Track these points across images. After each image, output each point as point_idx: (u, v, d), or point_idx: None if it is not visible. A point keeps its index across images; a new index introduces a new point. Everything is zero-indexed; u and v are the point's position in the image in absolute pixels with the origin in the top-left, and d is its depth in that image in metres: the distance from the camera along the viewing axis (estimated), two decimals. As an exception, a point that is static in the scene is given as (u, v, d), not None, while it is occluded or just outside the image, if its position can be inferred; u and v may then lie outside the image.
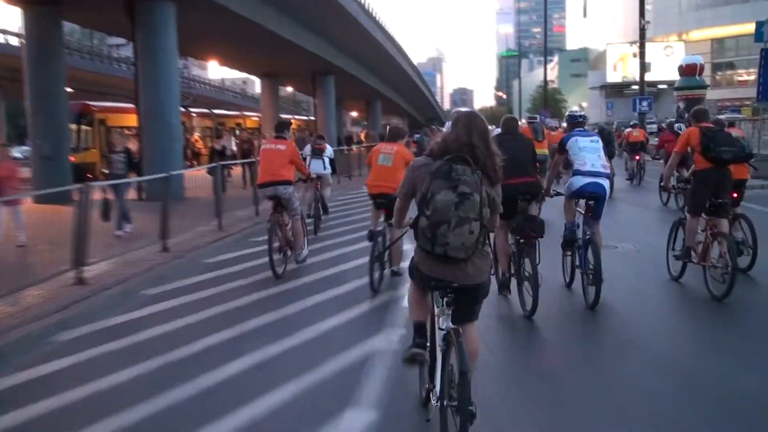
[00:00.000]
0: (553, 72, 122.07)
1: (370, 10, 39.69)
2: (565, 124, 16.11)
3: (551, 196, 7.83)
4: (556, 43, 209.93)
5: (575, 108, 9.99)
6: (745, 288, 7.69)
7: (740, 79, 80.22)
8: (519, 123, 8.75)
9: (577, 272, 7.57)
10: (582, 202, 7.64)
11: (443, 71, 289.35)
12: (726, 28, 75.53)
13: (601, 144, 7.65)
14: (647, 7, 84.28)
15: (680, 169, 11.25)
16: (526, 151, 7.36)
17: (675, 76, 72.18)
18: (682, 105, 28.69)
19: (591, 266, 7.06)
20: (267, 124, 43.63)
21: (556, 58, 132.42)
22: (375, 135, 57.06)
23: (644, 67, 36.98)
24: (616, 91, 69.87)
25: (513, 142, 7.21)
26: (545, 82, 65.13)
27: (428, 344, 4.22)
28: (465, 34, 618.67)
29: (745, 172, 8.71)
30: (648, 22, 37.70)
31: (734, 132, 12.83)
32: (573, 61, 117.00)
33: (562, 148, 7.71)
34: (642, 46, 36.95)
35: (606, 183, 7.38)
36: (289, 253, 9.57)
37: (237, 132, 36.60)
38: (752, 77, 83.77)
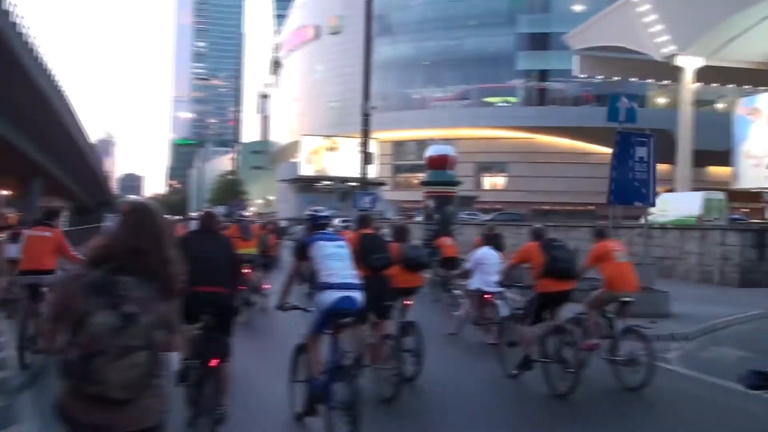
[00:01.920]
0: (235, 162, 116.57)
1: (37, 50, 28.24)
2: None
3: (285, 310, 6.42)
4: (231, 135, 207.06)
5: (318, 206, 7.53)
6: (411, 395, 7.64)
7: (417, 181, 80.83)
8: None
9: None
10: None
11: (113, 155, 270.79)
12: (406, 132, 75.57)
13: (348, 250, 6.37)
14: (333, 104, 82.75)
15: None
16: (224, 254, 6.02)
17: (370, 173, 70.69)
18: (431, 204, 22.51)
19: (344, 401, 5.58)
20: None
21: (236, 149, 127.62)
22: (29, 219, 45.20)
23: (368, 159, 31.43)
24: (307, 185, 65.10)
25: (208, 241, 6.04)
26: (232, 171, 58.02)
27: None
28: (138, 118, 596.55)
29: (417, 279, 8.55)
30: (375, 107, 32.54)
31: (448, 240, 14.09)
32: (254, 153, 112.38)
33: (302, 254, 6.28)
34: (366, 134, 31.47)
35: (359, 295, 6.09)
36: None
37: None
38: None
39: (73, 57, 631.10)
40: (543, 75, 76.79)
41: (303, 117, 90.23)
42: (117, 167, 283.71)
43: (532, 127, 74.41)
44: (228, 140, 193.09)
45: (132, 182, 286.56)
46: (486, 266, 10.45)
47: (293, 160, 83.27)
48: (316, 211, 6.75)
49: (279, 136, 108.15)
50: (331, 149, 64.22)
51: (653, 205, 14.58)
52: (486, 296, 10.48)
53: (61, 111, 37.36)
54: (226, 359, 5.67)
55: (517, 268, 8.86)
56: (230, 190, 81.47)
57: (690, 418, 7.11)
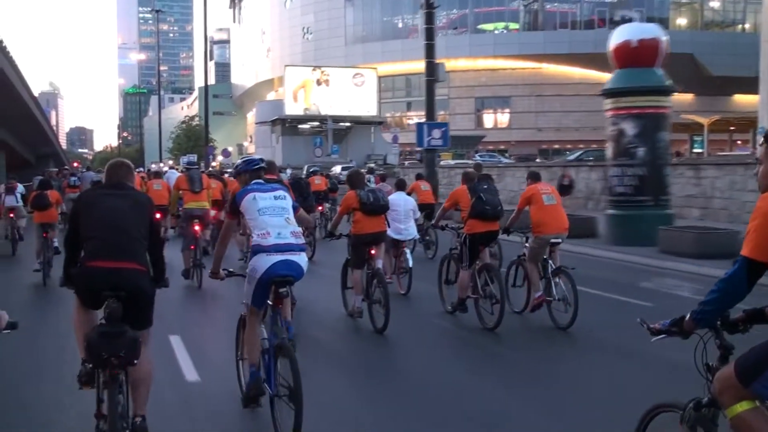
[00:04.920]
0: (192, 109, 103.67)
1: None
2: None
3: (221, 278, 5.36)
4: (185, 83, 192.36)
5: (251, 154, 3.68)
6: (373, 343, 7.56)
7: (411, 122, 69.57)
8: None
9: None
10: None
11: (59, 108, 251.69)
12: (392, 65, 63.99)
13: (290, 201, 5.14)
14: (309, 36, 70.41)
15: None
16: (138, 216, 4.26)
17: (367, 110, 58.97)
18: (629, 128, 11.18)
19: (287, 386, 4.47)
20: None
21: (195, 94, 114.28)
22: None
23: (434, 71, 20.73)
24: (292, 127, 53.47)
25: (114, 199, 4.27)
26: (206, 115, 46.66)
27: None
28: (84, 68, 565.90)
29: (380, 224, 8.17)
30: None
31: (423, 185, 13.79)
32: (215, 97, 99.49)
33: (234, 209, 5.11)
34: (430, 37, 20.72)
35: (302, 260, 4.88)
36: None
37: None
38: (423, 119, 74.74)
39: (10, 5, 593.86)
40: (547, -5, 65.94)
41: (273, 53, 77.67)
42: (64, 120, 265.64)
43: (539, 55, 63.95)
44: (182, 87, 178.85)
45: (81, 135, 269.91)
46: (396, 213, 9.79)
47: (272, 98, 71.34)
48: (248, 156, 6.16)
49: (241, 78, 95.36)
50: (321, 82, 52.39)
51: None
52: (398, 244, 10.03)
53: (11, 77, 33.20)
54: (130, 361, 3.94)
55: (449, 211, 8.98)
56: (197, 138, 69.50)
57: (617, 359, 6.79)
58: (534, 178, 8.58)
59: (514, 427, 5.10)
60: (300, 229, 5.09)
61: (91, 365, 3.99)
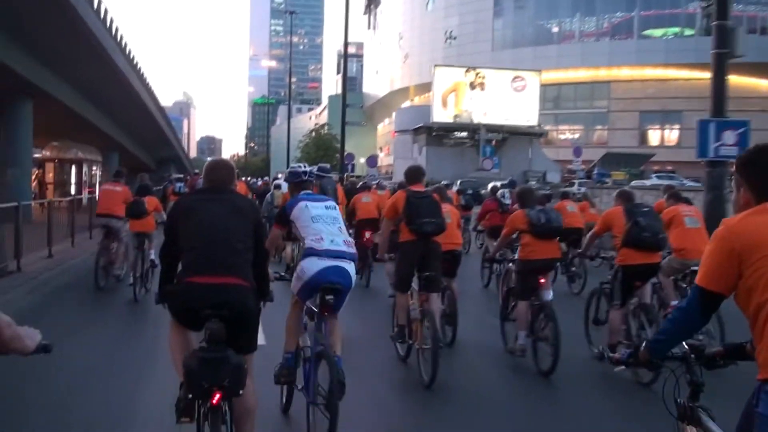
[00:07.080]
0: (321, 118, 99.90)
1: (119, 38, 26.14)
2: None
3: (270, 281, 4.83)
4: (312, 95, 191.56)
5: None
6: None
7: (562, 137, 61.79)
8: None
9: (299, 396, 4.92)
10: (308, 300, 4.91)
11: (191, 117, 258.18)
12: (546, 73, 56.11)
13: (339, 212, 4.98)
14: (451, 41, 63.88)
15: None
16: (242, 225, 3.70)
17: (527, 119, 52.11)
18: None
19: (323, 392, 4.36)
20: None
21: (324, 103, 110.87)
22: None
23: (726, 40, 13.44)
24: (437, 137, 47.02)
25: (216, 206, 3.71)
26: (343, 118, 40.69)
27: None
28: (216, 78, 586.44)
29: (552, 251, 6.91)
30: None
31: (569, 205, 11.29)
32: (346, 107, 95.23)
33: (284, 219, 4.96)
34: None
35: (352, 269, 4.68)
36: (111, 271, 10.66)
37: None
38: (576, 135, 66.89)
39: (150, 20, 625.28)
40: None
41: (410, 59, 71.88)
42: (196, 129, 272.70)
43: (719, 64, 54.78)
44: (309, 99, 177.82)
45: (210, 144, 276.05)
46: None
47: (411, 104, 65.50)
48: (295, 167, 5.45)
49: (373, 88, 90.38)
50: (475, 86, 45.65)
51: None
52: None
53: (144, 98, 35.38)
54: (235, 392, 3.37)
55: (599, 237, 7.37)
56: (327, 147, 64.62)
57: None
58: (676, 198, 8.00)
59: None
60: (352, 240, 4.87)
61: (190, 395, 3.30)
